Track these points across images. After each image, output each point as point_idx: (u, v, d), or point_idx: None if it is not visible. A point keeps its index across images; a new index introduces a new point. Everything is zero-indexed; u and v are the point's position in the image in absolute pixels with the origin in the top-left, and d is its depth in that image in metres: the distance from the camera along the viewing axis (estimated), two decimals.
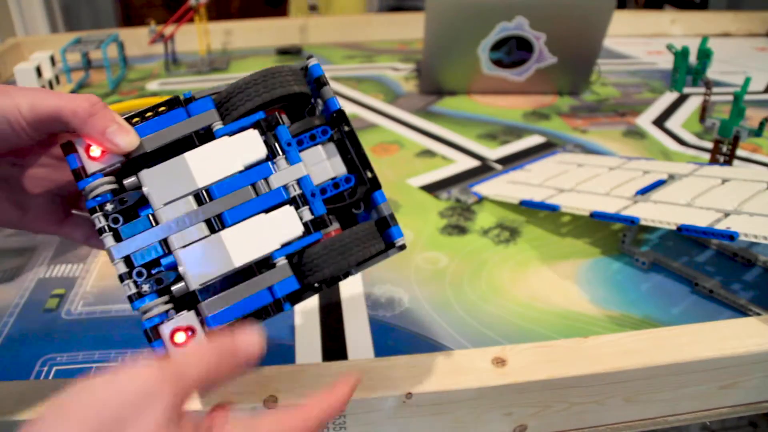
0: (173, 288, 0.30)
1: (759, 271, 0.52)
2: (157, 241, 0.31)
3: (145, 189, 0.31)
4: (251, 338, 0.27)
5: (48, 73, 0.77)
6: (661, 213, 0.50)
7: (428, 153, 0.77)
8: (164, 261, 0.31)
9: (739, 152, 0.75)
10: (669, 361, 0.38)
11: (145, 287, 0.30)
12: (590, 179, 0.61)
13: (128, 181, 0.32)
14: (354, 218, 0.35)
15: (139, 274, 0.30)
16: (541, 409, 0.39)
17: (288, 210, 0.32)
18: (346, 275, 0.33)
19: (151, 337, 0.30)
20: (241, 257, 0.31)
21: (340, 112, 0.34)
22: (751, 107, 0.88)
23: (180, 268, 0.30)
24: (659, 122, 0.88)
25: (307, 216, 0.32)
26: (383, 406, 0.36)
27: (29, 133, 0.31)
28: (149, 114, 0.32)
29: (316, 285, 0.32)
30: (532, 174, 0.68)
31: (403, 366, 0.38)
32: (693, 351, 0.39)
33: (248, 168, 0.32)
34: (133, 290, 0.30)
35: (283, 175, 0.32)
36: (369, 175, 0.34)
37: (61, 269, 0.53)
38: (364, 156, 0.34)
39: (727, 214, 0.47)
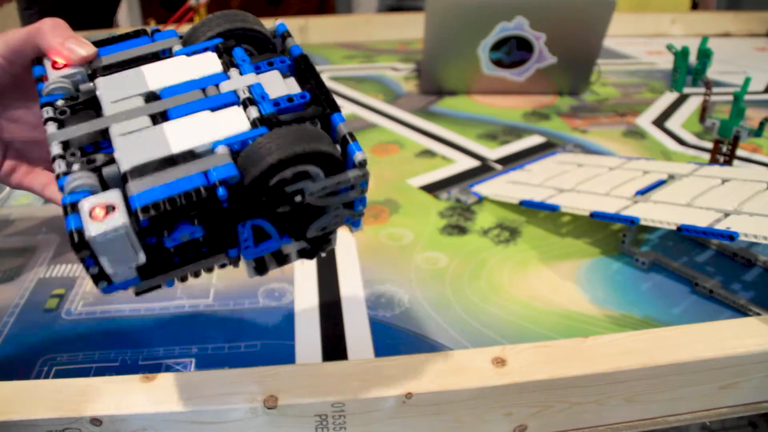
0: (104, 170, 0.29)
1: (759, 271, 0.52)
2: (96, 129, 0.30)
3: (98, 92, 0.32)
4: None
5: None
6: (661, 213, 0.50)
7: (428, 153, 0.77)
8: (102, 144, 0.30)
9: (739, 152, 0.75)
10: (669, 361, 0.38)
11: (76, 166, 0.29)
12: (590, 179, 0.61)
13: (84, 87, 0.33)
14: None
15: (72, 154, 0.30)
16: (541, 409, 0.39)
17: (235, 109, 0.31)
18: (299, 195, 0.30)
19: (68, 210, 0.28)
20: (179, 144, 0.30)
21: (304, 57, 0.34)
22: (751, 107, 0.88)
23: (115, 153, 0.29)
24: (659, 122, 0.88)
25: (255, 114, 0.31)
26: (383, 406, 0.36)
27: (5, 68, 0.35)
28: (114, 40, 0.35)
29: (261, 177, 0.29)
30: (532, 174, 0.68)
31: (403, 366, 0.38)
32: (693, 351, 0.39)
33: (202, 78, 0.33)
34: (63, 168, 0.29)
35: (234, 82, 0.32)
36: (324, 93, 0.33)
37: (61, 269, 0.53)
38: (323, 85, 0.33)
39: (727, 214, 0.47)
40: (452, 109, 0.93)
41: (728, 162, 0.66)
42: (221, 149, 0.30)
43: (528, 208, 0.60)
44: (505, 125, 0.86)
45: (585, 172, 0.64)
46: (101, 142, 0.31)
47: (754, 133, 0.63)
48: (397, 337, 0.45)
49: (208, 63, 0.33)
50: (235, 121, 0.31)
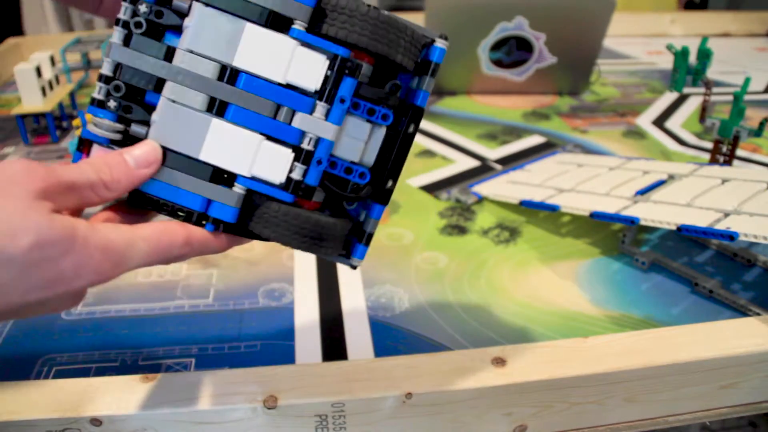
0: (133, 125, 0.29)
1: (759, 271, 0.52)
2: (154, 74, 0.28)
3: (187, 21, 0.28)
4: (143, 148, 0.28)
5: (48, 74, 0.77)
6: (661, 213, 0.50)
7: (428, 153, 0.77)
8: (148, 97, 0.28)
9: (739, 152, 0.75)
10: (669, 361, 0.38)
11: (112, 103, 0.28)
12: (590, 179, 0.61)
13: (178, 2, 0.28)
14: (341, 207, 0.32)
15: (117, 88, 0.28)
16: (541, 409, 0.39)
17: (286, 153, 0.29)
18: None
19: (81, 147, 0.29)
20: (210, 155, 0.28)
21: (420, 111, 0.30)
22: (751, 107, 0.88)
23: (153, 115, 0.28)
24: (659, 122, 0.88)
25: (297, 175, 0.29)
26: (383, 406, 0.36)
27: None
28: None
29: (250, 231, 0.30)
30: (532, 174, 0.68)
31: (403, 366, 0.38)
32: (693, 351, 0.39)
33: (289, 87, 0.29)
34: (101, 97, 0.28)
35: (311, 123, 0.29)
36: (388, 185, 0.31)
37: None
38: (399, 165, 0.30)
39: (727, 214, 0.47)
40: (452, 109, 0.92)
41: (728, 162, 0.66)
42: (238, 188, 0.29)
43: (528, 208, 0.60)
44: (505, 125, 0.86)
45: (585, 172, 0.64)
46: (147, 93, 0.28)
47: (754, 133, 0.63)
48: (397, 337, 0.45)
49: (311, 72, 0.29)
50: (275, 167, 0.29)
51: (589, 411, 0.40)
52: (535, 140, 0.81)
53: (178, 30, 0.28)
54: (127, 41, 0.28)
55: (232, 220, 0.29)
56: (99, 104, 0.28)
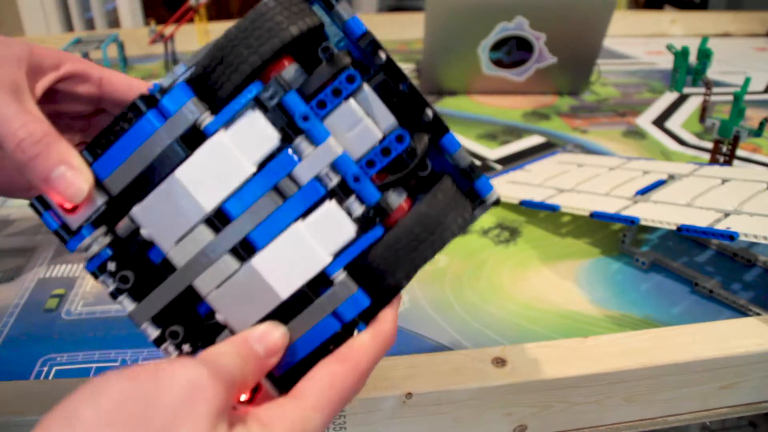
0: (218, 339, 0.26)
1: (759, 271, 0.52)
2: (181, 291, 0.25)
3: (144, 231, 0.25)
4: (265, 328, 0.25)
5: None
6: (661, 213, 0.50)
7: None
8: (200, 309, 0.26)
9: (739, 152, 0.75)
10: (669, 361, 0.38)
11: (186, 348, 0.26)
12: (590, 179, 0.61)
13: (122, 227, 0.25)
14: (422, 179, 0.27)
15: (174, 335, 0.25)
16: (541, 409, 0.39)
17: (330, 207, 0.25)
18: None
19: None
20: (286, 286, 0.25)
21: (368, 37, 0.25)
22: (751, 107, 0.88)
23: (218, 316, 0.25)
24: (659, 122, 0.88)
25: (357, 209, 0.25)
26: (383, 406, 0.36)
27: None
28: (110, 137, 0.25)
29: (392, 288, 0.26)
30: (532, 174, 0.68)
31: (403, 366, 0.38)
32: (693, 351, 0.39)
33: (262, 166, 0.25)
34: (174, 352, 0.26)
35: (311, 162, 0.25)
36: (429, 114, 0.25)
37: (61, 269, 0.53)
38: (415, 92, 0.25)
39: (727, 214, 0.47)
40: (452, 109, 0.92)
41: (728, 162, 0.66)
42: (339, 275, 0.25)
43: (528, 208, 0.60)
44: (505, 125, 0.86)
45: (585, 172, 0.64)
46: (194, 304, 0.26)
47: (754, 133, 0.63)
48: (397, 337, 0.45)
49: (260, 135, 0.24)
50: (335, 228, 0.25)
51: (589, 411, 0.40)
52: (535, 140, 0.81)
53: (150, 242, 0.26)
54: (136, 297, 0.26)
55: (367, 303, 0.25)
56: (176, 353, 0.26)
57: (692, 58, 0.80)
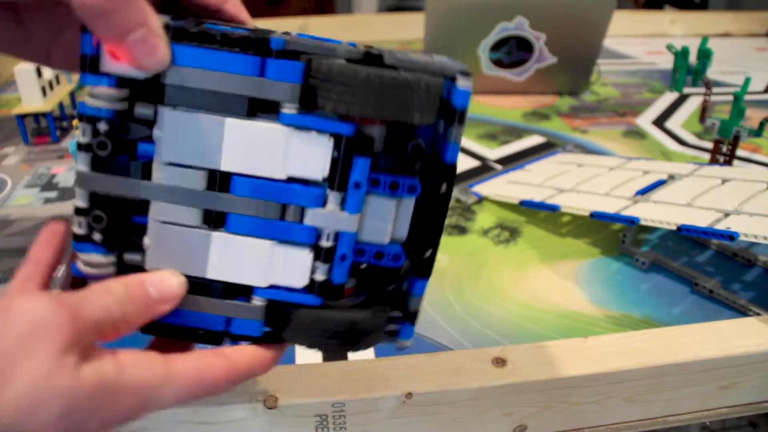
0: (126, 255, 0.25)
1: (759, 271, 0.52)
2: (135, 196, 0.24)
3: (157, 131, 0.24)
4: (163, 274, 0.25)
5: (48, 73, 0.77)
6: (661, 213, 0.50)
7: None
8: (135, 219, 0.25)
9: (739, 152, 0.75)
10: (669, 361, 0.38)
11: (97, 236, 0.25)
12: (590, 179, 0.61)
13: (141, 110, 0.24)
14: (383, 292, 0.28)
15: (97, 219, 0.24)
16: (541, 409, 0.39)
17: (303, 255, 0.25)
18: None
19: (74, 286, 0.26)
20: (218, 271, 0.25)
21: (451, 170, 0.25)
22: (751, 107, 0.88)
23: (145, 240, 0.25)
24: (659, 122, 0.88)
25: (320, 275, 0.25)
26: (383, 406, 0.36)
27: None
28: (210, 39, 0.23)
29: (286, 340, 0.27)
30: (532, 174, 0.68)
31: (403, 366, 0.38)
32: (693, 351, 0.39)
33: (291, 181, 0.24)
34: (82, 231, 0.25)
35: (327, 217, 0.25)
36: (427, 254, 0.26)
37: (60, 269, 0.53)
38: (438, 231, 0.26)
39: (727, 214, 0.47)
40: None
41: (728, 162, 0.66)
42: (257, 301, 0.26)
43: (528, 208, 0.60)
44: (505, 125, 0.86)
45: (585, 172, 0.64)
46: (133, 215, 0.25)
47: (754, 133, 0.63)
48: None
49: (313, 159, 0.24)
50: (294, 271, 0.25)
51: (589, 411, 0.40)
52: (535, 140, 0.81)
53: (148, 138, 0.24)
54: (95, 166, 0.24)
55: (257, 334, 0.26)
56: (82, 239, 0.25)
57: (692, 58, 0.80)
